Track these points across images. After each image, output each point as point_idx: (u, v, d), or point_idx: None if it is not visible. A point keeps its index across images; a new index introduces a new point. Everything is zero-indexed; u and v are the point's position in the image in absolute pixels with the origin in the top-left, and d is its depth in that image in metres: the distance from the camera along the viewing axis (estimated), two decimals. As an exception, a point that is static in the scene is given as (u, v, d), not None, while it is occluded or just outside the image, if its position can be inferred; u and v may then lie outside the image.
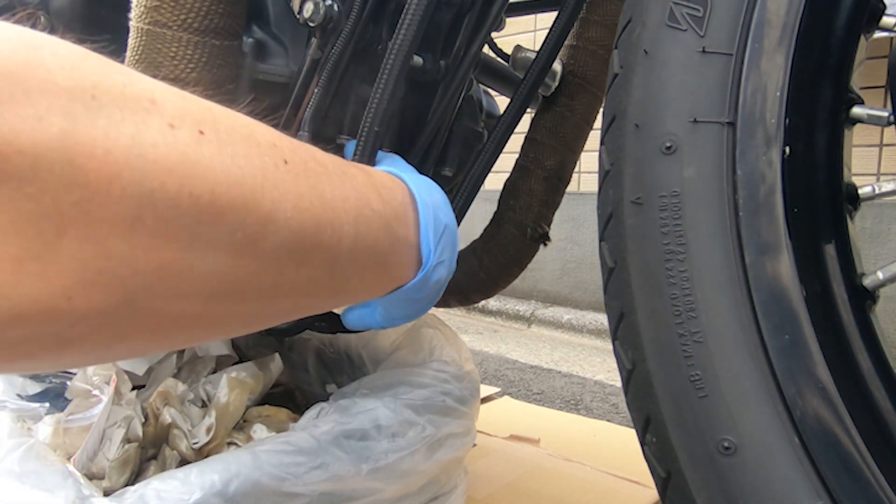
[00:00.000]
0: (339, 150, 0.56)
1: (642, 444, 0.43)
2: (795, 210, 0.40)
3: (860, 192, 0.44)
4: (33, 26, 0.54)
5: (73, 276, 0.22)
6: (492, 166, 0.64)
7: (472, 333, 2.25)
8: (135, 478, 0.55)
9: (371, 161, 0.49)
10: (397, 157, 0.48)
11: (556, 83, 0.72)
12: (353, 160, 0.47)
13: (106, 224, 0.22)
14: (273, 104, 0.55)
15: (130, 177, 0.23)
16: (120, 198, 0.23)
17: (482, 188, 0.64)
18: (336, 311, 0.54)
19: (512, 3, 0.73)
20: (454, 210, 0.62)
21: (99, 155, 0.22)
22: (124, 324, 0.25)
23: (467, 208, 0.63)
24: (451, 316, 2.55)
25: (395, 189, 0.41)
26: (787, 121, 0.41)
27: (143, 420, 0.58)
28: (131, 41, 0.49)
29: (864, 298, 0.42)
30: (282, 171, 0.29)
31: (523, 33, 2.34)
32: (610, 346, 0.49)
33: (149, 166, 0.23)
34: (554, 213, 0.75)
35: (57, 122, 0.21)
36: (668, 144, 0.42)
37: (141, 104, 0.24)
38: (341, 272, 0.34)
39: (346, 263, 0.34)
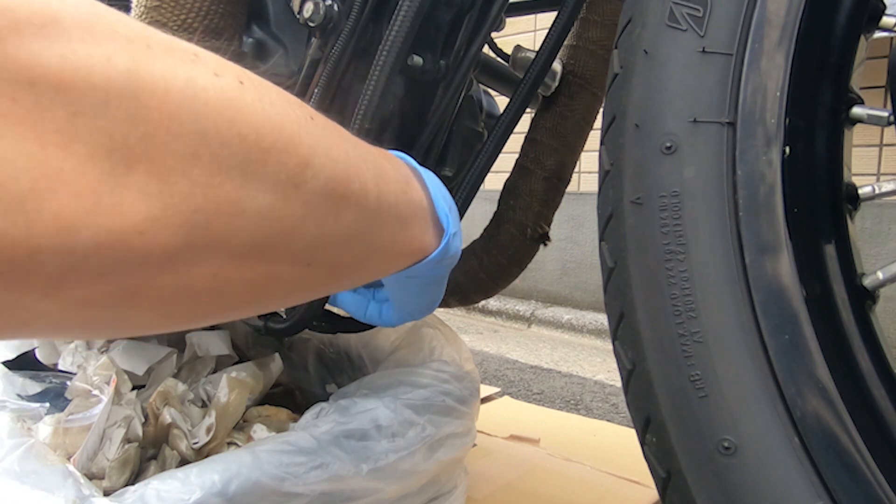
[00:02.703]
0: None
1: (642, 444, 0.43)
2: (795, 210, 0.40)
3: (860, 192, 0.44)
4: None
5: (142, 210, 0.23)
6: (491, 166, 0.64)
7: (472, 333, 2.25)
8: (135, 478, 0.55)
9: None
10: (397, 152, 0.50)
11: (556, 83, 0.72)
12: None
13: (168, 160, 0.24)
14: (273, 104, 0.55)
15: (186, 116, 0.24)
16: (178, 134, 0.24)
17: (482, 188, 0.64)
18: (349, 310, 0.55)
19: (512, 3, 0.73)
20: None
21: (160, 94, 0.24)
22: (187, 269, 0.26)
23: (466, 208, 0.63)
24: (451, 316, 2.55)
25: (400, 161, 0.43)
26: (787, 121, 0.41)
27: (143, 420, 0.58)
28: (131, 41, 0.49)
29: (864, 298, 0.42)
30: (311, 125, 0.31)
31: (523, 33, 2.34)
32: (610, 346, 0.49)
33: (202, 107, 0.25)
34: (554, 213, 0.75)
35: (123, 62, 0.23)
36: (668, 144, 0.42)
37: (187, 55, 0.26)
38: (371, 228, 0.36)
39: (374, 219, 0.36)
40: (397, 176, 0.39)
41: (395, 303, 0.50)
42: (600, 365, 1.84)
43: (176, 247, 0.24)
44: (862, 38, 0.44)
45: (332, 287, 0.38)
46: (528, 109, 0.66)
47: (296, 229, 0.30)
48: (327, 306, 0.60)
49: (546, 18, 0.76)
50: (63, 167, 0.21)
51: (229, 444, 0.60)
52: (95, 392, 0.58)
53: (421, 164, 0.61)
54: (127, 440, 0.55)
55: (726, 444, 0.38)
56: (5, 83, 0.20)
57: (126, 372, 0.63)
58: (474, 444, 0.63)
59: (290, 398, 0.76)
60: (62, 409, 0.57)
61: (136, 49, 0.24)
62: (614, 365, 0.48)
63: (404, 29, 0.49)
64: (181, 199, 0.24)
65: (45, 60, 0.21)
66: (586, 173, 2.34)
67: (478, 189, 0.63)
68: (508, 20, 0.71)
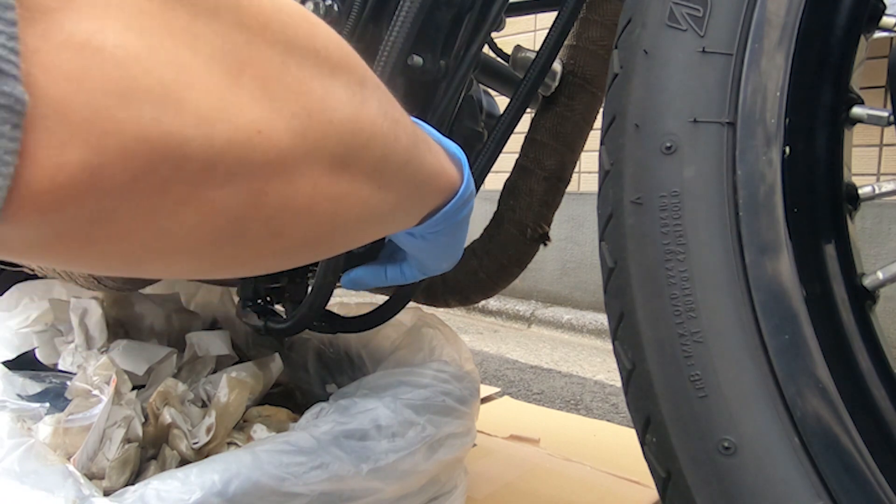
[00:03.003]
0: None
1: (642, 444, 0.43)
2: (795, 210, 0.40)
3: (860, 192, 0.44)
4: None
5: (255, 111, 0.25)
6: (492, 166, 0.64)
7: (472, 333, 2.25)
8: (135, 478, 0.55)
9: None
10: None
11: (556, 83, 0.72)
12: None
13: (265, 66, 0.25)
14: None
15: (276, 26, 0.26)
16: (272, 43, 0.26)
17: (482, 188, 0.64)
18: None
19: (512, 3, 0.73)
20: None
21: (255, 4, 0.26)
22: (294, 175, 0.27)
23: (467, 208, 0.63)
24: (451, 316, 2.55)
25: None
26: (787, 121, 0.41)
27: (143, 420, 0.58)
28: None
29: (864, 298, 0.42)
30: (359, 56, 0.34)
31: (523, 33, 2.34)
32: (610, 346, 0.49)
33: (286, 17, 0.27)
34: (554, 213, 0.75)
35: None
36: (668, 144, 0.42)
37: None
38: (417, 155, 0.38)
39: (416, 148, 0.38)
40: (416, 131, 0.42)
41: (418, 262, 0.51)
42: (600, 365, 1.84)
43: (284, 149, 0.26)
44: (862, 38, 0.44)
45: (393, 222, 0.40)
46: (528, 109, 0.66)
47: (368, 143, 0.32)
48: (328, 306, 0.60)
49: (546, 18, 0.76)
50: (193, 63, 0.22)
51: (229, 444, 0.60)
52: (95, 392, 0.58)
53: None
54: (127, 440, 0.55)
55: (726, 444, 0.38)
56: None
57: (126, 372, 0.63)
58: (474, 444, 0.63)
59: (290, 398, 0.76)
60: (62, 409, 0.57)
61: None
62: (614, 365, 0.48)
63: (405, 29, 0.49)
64: (281, 104, 0.26)
65: None
66: (586, 173, 2.34)
67: (478, 189, 0.63)
68: (508, 20, 0.71)
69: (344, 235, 0.35)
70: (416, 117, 0.60)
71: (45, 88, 0.19)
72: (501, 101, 0.69)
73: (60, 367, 0.67)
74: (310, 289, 0.59)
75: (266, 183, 0.26)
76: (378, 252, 0.57)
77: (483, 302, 1.68)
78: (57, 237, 0.22)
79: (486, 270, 0.74)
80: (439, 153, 0.42)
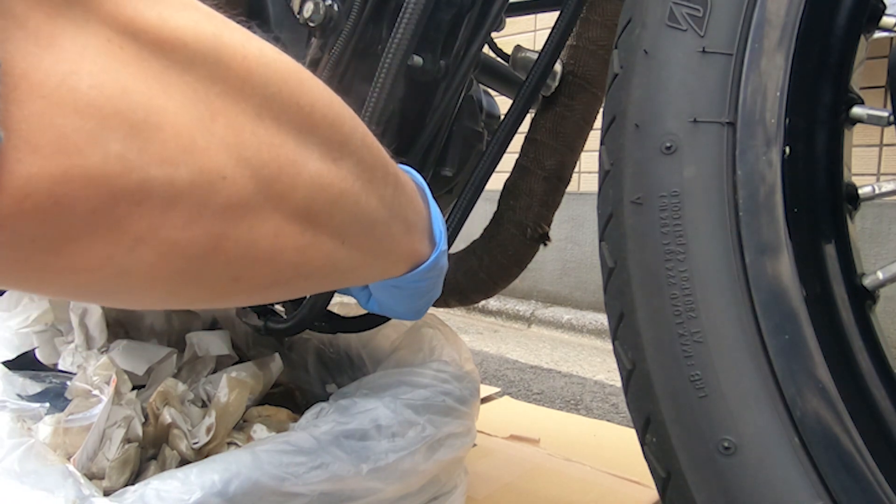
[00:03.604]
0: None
1: (642, 444, 0.43)
2: (795, 210, 0.40)
3: (860, 192, 0.44)
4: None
5: (224, 157, 0.26)
6: (494, 168, 0.64)
7: (472, 333, 2.25)
8: (135, 478, 0.55)
9: None
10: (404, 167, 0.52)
11: (557, 83, 0.72)
12: None
13: (241, 116, 0.27)
14: (273, 104, 0.55)
15: (258, 79, 0.27)
16: (250, 95, 0.27)
17: (483, 188, 0.64)
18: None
19: (512, 3, 0.73)
20: (456, 212, 0.62)
21: (238, 57, 0.27)
22: (256, 222, 0.28)
23: (470, 210, 0.63)
24: (451, 316, 2.55)
25: (408, 175, 0.46)
26: (787, 121, 0.41)
27: (143, 420, 0.58)
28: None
29: (864, 298, 0.42)
30: (347, 110, 0.34)
31: (523, 33, 2.34)
32: (610, 346, 0.49)
33: (271, 73, 0.28)
34: (554, 213, 0.75)
35: (209, 28, 0.26)
36: (668, 144, 0.42)
37: (257, 32, 0.30)
38: (387, 220, 0.38)
39: (389, 213, 0.38)
40: (408, 184, 0.42)
41: (382, 307, 0.51)
42: (600, 365, 1.84)
43: (249, 195, 0.27)
44: (862, 38, 0.44)
45: (351, 277, 0.40)
46: (528, 110, 0.66)
47: (337, 200, 0.32)
48: (328, 306, 0.60)
49: (546, 18, 0.76)
50: (166, 107, 0.24)
51: (229, 444, 0.60)
52: (95, 392, 0.58)
53: (421, 164, 0.62)
54: (127, 440, 0.55)
55: (726, 444, 0.38)
56: (114, 33, 0.23)
57: (126, 372, 0.63)
58: (474, 444, 0.63)
59: (290, 398, 0.76)
60: (62, 409, 0.57)
61: (217, 20, 0.27)
62: (614, 365, 0.48)
63: (409, 30, 0.49)
64: (252, 153, 0.27)
65: (146, 18, 0.24)
66: (586, 173, 2.34)
67: (481, 191, 0.63)
68: (508, 20, 0.71)
69: (305, 283, 0.36)
70: (416, 117, 0.60)
71: (19, 123, 0.20)
72: (501, 101, 0.69)
73: (60, 367, 0.67)
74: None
75: (227, 227, 0.27)
76: None
77: (483, 302, 1.68)
78: (14, 262, 0.22)
79: (486, 270, 0.74)
80: (415, 227, 0.43)
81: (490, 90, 0.82)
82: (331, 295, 0.57)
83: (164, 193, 0.24)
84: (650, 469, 0.43)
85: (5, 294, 0.78)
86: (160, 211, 0.24)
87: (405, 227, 0.41)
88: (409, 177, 0.45)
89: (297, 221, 0.30)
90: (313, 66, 0.55)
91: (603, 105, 0.48)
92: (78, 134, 0.21)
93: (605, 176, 0.46)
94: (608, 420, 1.27)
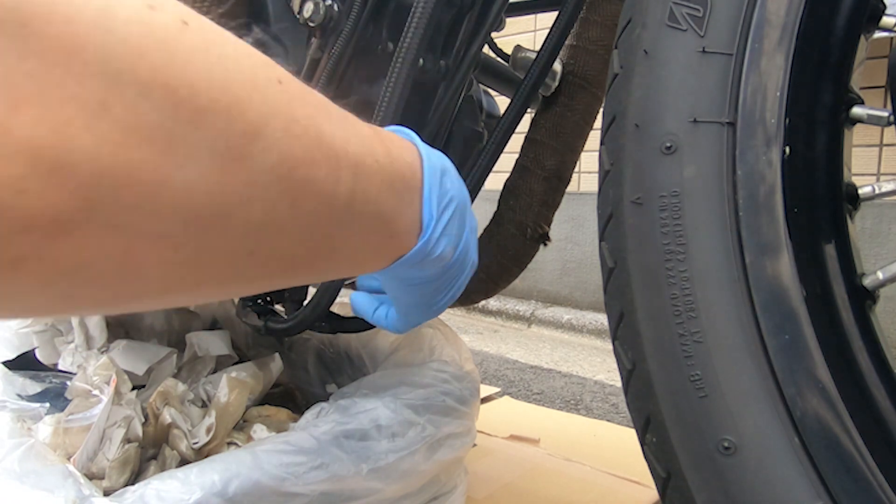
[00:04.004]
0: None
1: (642, 444, 0.43)
2: (795, 210, 0.40)
3: (860, 192, 0.44)
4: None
5: (25, 164, 0.19)
6: (492, 167, 0.64)
7: (472, 333, 2.25)
8: (135, 478, 0.55)
9: None
10: (407, 129, 0.42)
11: (556, 83, 0.72)
12: None
13: (66, 107, 0.19)
14: (273, 104, 0.55)
15: (95, 54, 0.20)
16: (82, 76, 0.19)
17: (482, 188, 0.64)
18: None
19: (512, 3, 0.73)
20: None
21: (58, 22, 0.19)
22: (86, 241, 0.21)
23: (467, 208, 0.63)
24: (451, 316, 2.55)
25: (405, 148, 0.38)
26: (787, 121, 0.41)
27: (143, 420, 0.58)
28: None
29: (864, 298, 0.42)
30: (274, 89, 0.26)
31: (523, 33, 2.34)
32: (610, 346, 0.49)
33: (118, 45, 0.20)
34: (554, 213, 0.75)
35: None
36: (668, 144, 0.42)
37: None
38: (340, 223, 0.31)
39: (345, 213, 0.31)
40: (390, 168, 0.34)
41: (398, 307, 0.49)
42: (600, 365, 1.84)
43: (70, 213, 0.20)
44: (862, 38, 0.44)
45: (281, 282, 0.33)
46: (528, 109, 0.66)
47: (235, 212, 0.25)
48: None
49: (546, 18, 0.76)
50: None
51: (229, 444, 0.60)
52: (95, 392, 0.58)
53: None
54: (127, 440, 0.55)
55: (726, 444, 0.38)
56: None
57: (126, 372, 0.63)
58: (474, 444, 0.63)
59: (290, 398, 0.76)
60: (62, 409, 0.57)
61: None
62: (614, 365, 0.48)
63: (419, 33, 0.49)
64: (81, 158, 0.20)
65: None
66: (586, 173, 2.34)
67: (479, 190, 0.63)
68: (508, 20, 0.71)
69: (195, 296, 0.29)
70: (416, 117, 0.60)
71: None
72: (501, 101, 0.69)
73: (60, 367, 0.67)
74: (311, 289, 0.59)
75: (35, 248, 0.20)
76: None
77: (483, 302, 1.68)
78: None
79: (486, 270, 0.75)
80: (398, 216, 0.36)
81: (490, 90, 0.82)
82: (335, 296, 0.57)
83: None
84: (650, 469, 0.43)
85: (5, 294, 0.78)
86: None
87: (378, 221, 0.34)
88: (413, 149, 0.38)
89: (165, 237, 0.23)
90: (313, 66, 0.55)
91: (603, 105, 0.48)
92: None
93: (605, 176, 0.46)
94: (608, 420, 1.27)
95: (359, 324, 0.63)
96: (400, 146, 0.37)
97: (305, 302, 0.60)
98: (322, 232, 0.30)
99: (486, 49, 0.70)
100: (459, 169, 0.68)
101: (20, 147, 0.18)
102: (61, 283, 0.22)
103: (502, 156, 0.64)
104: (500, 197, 0.75)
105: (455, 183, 0.42)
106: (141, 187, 0.21)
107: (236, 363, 0.70)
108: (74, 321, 0.69)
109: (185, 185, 0.23)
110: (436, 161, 0.40)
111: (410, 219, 0.38)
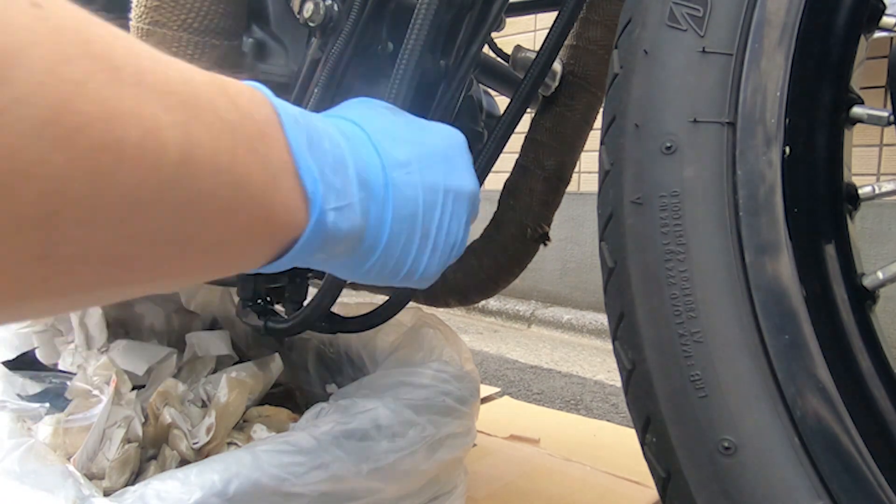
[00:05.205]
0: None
1: (642, 444, 0.43)
2: (795, 210, 0.40)
3: (860, 192, 0.44)
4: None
5: None
6: (492, 166, 0.64)
7: (472, 333, 2.25)
8: (135, 478, 0.55)
9: None
10: (256, 83, 0.31)
11: (556, 83, 0.72)
12: None
13: None
14: (273, 104, 0.55)
15: None
16: None
17: (482, 188, 0.64)
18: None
19: (512, 3, 0.73)
20: None
21: None
22: None
23: (467, 208, 0.63)
24: (451, 316, 2.55)
25: (257, 100, 0.29)
26: (787, 121, 0.41)
27: (143, 420, 0.58)
28: (131, 41, 0.49)
29: (864, 298, 0.42)
30: (28, 16, 0.19)
31: (523, 33, 2.34)
32: (610, 346, 0.49)
33: None
34: (554, 213, 0.75)
35: None
36: (668, 144, 0.42)
37: None
38: (177, 205, 0.23)
39: (182, 190, 0.23)
40: (243, 124, 0.27)
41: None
42: (600, 365, 1.84)
43: None
44: (862, 38, 0.44)
45: (115, 293, 0.25)
46: (528, 109, 0.66)
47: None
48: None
49: (546, 18, 0.76)
50: None
51: (229, 444, 0.60)
52: (95, 392, 0.58)
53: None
54: (127, 440, 0.55)
55: (726, 444, 0.38)
56: None
57: (126, 372, 0.63)
58: (474, 444, 0.63)
59: (290, 398, 0.76)
60: (62, 409, 0.57)
61: None
62: (614, 365, 0.48)
63: (423, 35, 0.49)
64: None
65: None
66: (586, 173, 2.34)
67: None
68: (508, 20, 0.71)
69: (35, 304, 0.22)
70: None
71: None
72: (501, 101, 0.69)
73: (60, 367, 0.67)
74: (310, 289, 0.59)
75: None
76: None
77: (483, 302, 1.68)
78: None
79: (486, 270, 0.74)
80: (267, 185, 0.27)
81: (490, 90, 0.82)
82: (335, 297, 0.57)
83: None
84: (650, 469, 0.43)
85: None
86: None
87: (238, 194, 0.26)
88: (263, 102, 0.29)
89: None
90: (313, 67, 0.55)
91: (603, 105, 0.48)
92: None
93: (605, 176, 0.46)
94: (608, 420, 1.26)
95: (359, 324, 0.63)
96: (251, 98, 0.29)
97: (306, 302, 0.60)
98: (151, 218, 0.23)
99: (486, 49, 0.70)
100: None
101: None
102: None
103: (502, 156, 0.64)
104: (500, 197, 0.75)
105: (342, 137, 0.34)
106: None
107: (236, 363, 0.70)
108: (75, 321, 0.69)
109: None
110: (296, 113, 0.31)
111: (293, 192, 0.29)
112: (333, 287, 0.56)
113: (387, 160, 0.36)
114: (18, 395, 0.64)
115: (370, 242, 0.35)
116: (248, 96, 0.29)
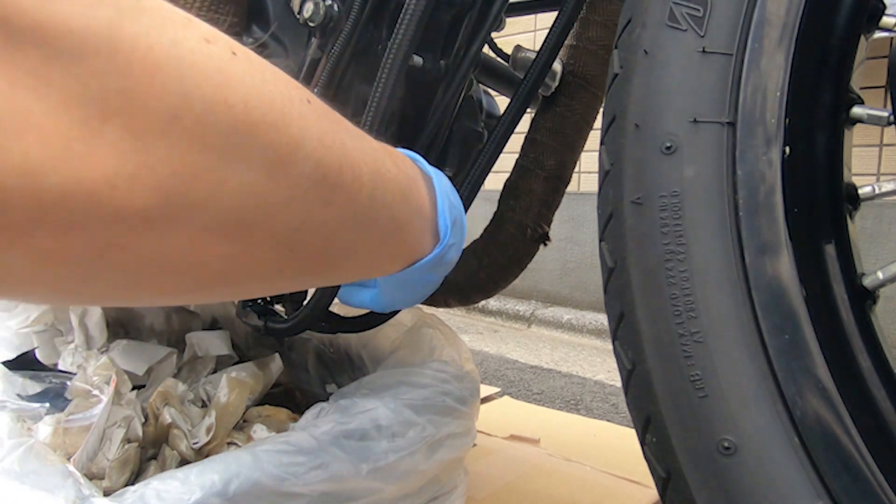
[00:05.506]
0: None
1: (642, 444, 0.43)
2: (795, 210, 0.40)
3: (860, 192, 0.44)
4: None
5: (115, 164, 0.22)
6: (492, 166, 0.64)
7: (472, 333, 2.25)
8: (135, 478, 0.55)
9: None
10: (409, 151, 0.48)
11: (556, 83, 0.72)
12: None
13: (147, 118, 0.23)
14: (273, 104, 0.55)
15: (170, 74, 0.24)
16: (160, 93, 0.23)
17: (482, 188, 0.64)
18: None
19: (512, 3, 0.73)
20: None
21: (142, 48, 0.23)
22: (162, 233, 0.25)
23: (467, 208, 0.63)
24: (451, 316, 2.55)
25: (408, 162, 0.42)
26: (787, 121, 0.41)
27: (143, 420, 0.58)
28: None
29: (864, 298, 0.42)
30: (307, 108, 0.30)
31: (523, 33, 2.34)
32: (610, 346, 0.49)
33: (187, 68, 0.24)
34: (554, 213, 0.75)
35: (106, 13, 0.22)
36: (668, 144, 0.42)
37: (179, 18, 0.25)
38: (362, 224, 0.35)
39: (366, 215, 0.35)
40: (399, 176, 0.39)
41: (384, 294, 0.50)
42: (600, 365, 1.84)
43: (150, 208, 0.24)
44: (862, 38, 0.44)
45: (316, 279, 0.37)
46: (528, 109, 0.66)
47: (280, 211, 0.29)
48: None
49: (546, 18, 0.76)
50: (32, 109, 0.20)
51: (229, 444, 0.60)
52: (95, 392, 0.58)
53: (421, 164, 0.61)
54: (127, 440, 0.55)
55: (726, 444, 0.38)
56: None
57: (126, 372, 0.63)
58: (474, 444, 0.63)
59: (290, 398, 0.76)
60: (62, 409, 0.57)
61: (123, 4, 0.23)
62: (614, 365, 0.48)
63: (410, 30, 0.49)
64: (157, 161, 0.23)
65: (18, 1, 0.20)
66: (586, 173, 2.34)
67: (479, 189, 0.63)
68: (508, 20, 0.71)
69: (244, 290, 0.33)
70: (416, 118, 0.60)
71: None
72: (501, 101, 0.69)
73: (60, 367, 0.67)
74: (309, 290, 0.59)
75: (116, 238, 0.24)
76: None
77: (483, 302, 1.68)
78: None
79: (486, 270, 0.74)
80: (408, 223, 0.40)
81: (490, 90, 0.82)
82: (333, 296, 0.57)
83: (26, 207, 0.21)
84: (650, 469, 0.43)
85: (5, 294, 0.78)
86: (26, 222, 0.21)
87: (393, 225, 0.38)
88: (411, 164, 0.42)
89: (222, 233, 0.27)
90: (313, 66, 0.55)
91: (603, 105, 0.48)
92: None
93: (605, 176, 0.46)
94: (608, 420, 1.26)
95: (359, 324, 0.63)
96: (404, 160, 0.42)
97: (305, 302, 0.60)
98: (348, 232, 0.34)
99: (486, 49, 0.70)
100: (460, 169, 0.68)
101: (110, 153, 0.22)
102: (136, 271, 0.26)
103: (502, 156, 0.64)
104: (500, 197, 0.75)
105: (457, 200, 0.47)
106: (205, 187, 0.25)
107: (236, 363, 0.70)
108: (74, 321, 0.69)
109: (240, 186, 0.27)
110: (443, 179, 0.45)
111: (420, 227, 0.41)
112: (330, 287, 0.56)
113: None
114: (18, 395, 0.64)
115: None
116: (402, 157, 0.42)
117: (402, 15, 0.49)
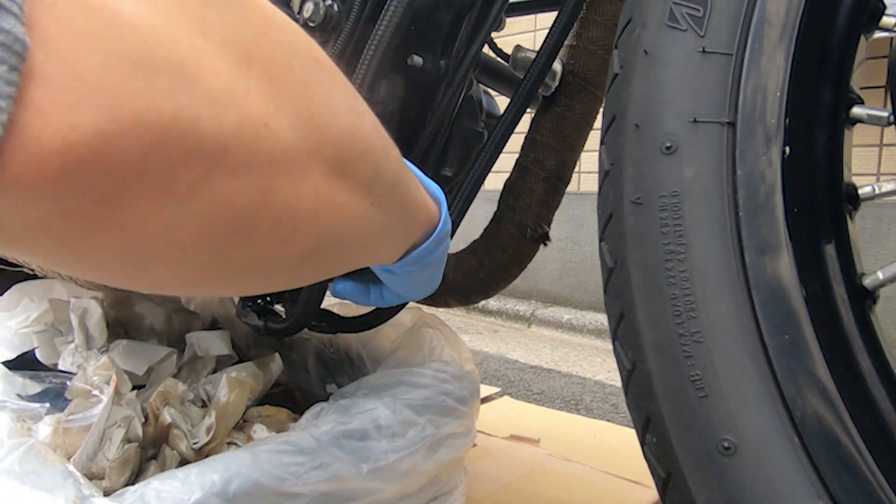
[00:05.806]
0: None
1: (642, 444, 0.43)
2: (795, 210, 0.40)
3: (860, 192, 0.44)
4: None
5: (262, 104, 0.24)
6: (492, 166, 0.64)
7: (472, 333, 2.25)
8: (135, 478, 0.55)
9: None
10: None
11: (556, 83, 0.72)
12: None
13: (272, 65, 0.25)
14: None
15: (279, 28, 0.27)
16: (277, 43, 0.26)
17: (482, 188, 0.64)
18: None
19: (512, 3, 0.73)
20: (454, 210, 0.62)
21: (259, 6, 0.26)
22: (297, 179, 0.27)
23: (467, 208, 0.63)
24: (451, 316, 2.55)
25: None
26: (787, 121, 0.41)
27: (143, 420, 0.58)
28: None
29: (864, 298, 0.42)
30: (374, 117, 0.34)
31: (523, 33, 2.34)
32: (610, 346, 0.49)
33: (285, 25, 0.27)
34: (554, 213, 0.75)
35: None
36: (668, 144, 0.42)
37: None
38: (403, 180, 0.38)
39: (403, 173, 0.38)
40: (397, 155, 0.42)
41: (395, 289, 0.51)
42: (600, 365, 1.84)
43: (289, 147, 0.26)
44: (862, 38, 0.44)
45: (380, 245, 0.39)
46: (528, 109, 0.66)
47: (363, 155, 0.32)
48: (329, 307, 0.60)
49: (546, 18, 0.76)
50: (205, 47, 0.22)
51: (229, 444, 0.60)
52: (95, 392, 0.58)
53: (421, 164, 0.62)
54: (127, 440, 0.55)
55: (726, 444, 0.38)
56: None
57: (126, 372, 0.63)
58: (474, 444, 0.63)
59: (290, 398, 0.76)
60: (62, 409, 0.57)
61: None
62: (614, 365, 0.48)
63: (392, 27, 0.49)
64: (285, 102, 0.26)
65: None
66: (586, 173, 2.34)
67: (479, 189, 0.63)
68: (508, 20, 0.71)
69: (340, 252, 0.35)
70: (416, 117, 0.60)
71: (58, 41, 0.17)
72: (501, 101, 0.69)
73: (60, 367, 0.67)
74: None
75: (273, 181, 0.25)
76: (366, 269, 0.56)
77: (483, 302, 1.68)
78: (62, 217, 0.20)
79: (486, 270, 0.74)
80: (420, 187, 0.42)
81: (490, 90, 0.82)
82: (323, 292, 0.57)
83: (214, 137, 0.22)
84: (650, 469, 0.43)
85: (5, 294, 0.78)
86: (211, 157, 0.22)
87: (415, 185, 0.40)
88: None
89: (333, 176, 0.29)
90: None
91: (603, 105, 0.48)
92: (123, 63, 0.19)
93: (605, 176, 0.46)
94: (608, 420, 1.26)
95: (359, 324, 0.63)
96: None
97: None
98: (399, 185, 0.37)
99: (486, 49, 0.70)
100: (460, 169, 0.68)
101: (258, 92, 0.24)
102: (282, 225, 0.27)
103: (502, 156, 0.64)
104: (500, 197, 0.75)
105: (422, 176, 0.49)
106: (319, 128, 0.28)
107: (236, 363, 0.70)
108: (74, 321, 0.69)
109: (341, 125, 0.30)
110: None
111: (424, 201, 0.42)
112: (318, 285, 0.56)
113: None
114: (18, 395, 0.64)
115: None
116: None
117: (384, 12, 0.49)
